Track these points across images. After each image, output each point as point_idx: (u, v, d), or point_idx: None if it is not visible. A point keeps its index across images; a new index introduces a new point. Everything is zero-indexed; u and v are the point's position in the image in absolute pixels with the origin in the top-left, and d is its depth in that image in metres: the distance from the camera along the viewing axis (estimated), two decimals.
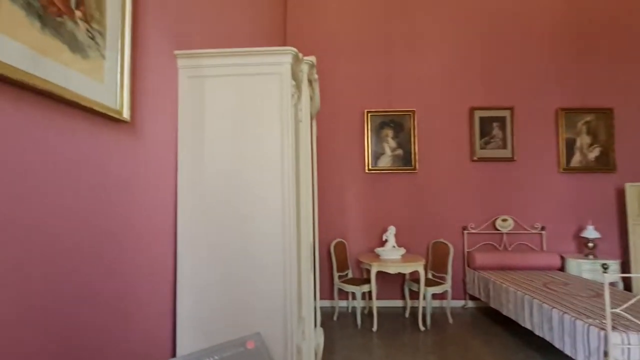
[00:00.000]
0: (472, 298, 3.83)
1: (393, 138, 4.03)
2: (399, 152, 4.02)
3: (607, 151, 3.93)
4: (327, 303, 3.92)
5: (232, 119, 1.30)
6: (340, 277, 3.66)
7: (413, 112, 4.01)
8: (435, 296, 3.61)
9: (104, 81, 0.90)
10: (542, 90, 4.00)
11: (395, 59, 4.10)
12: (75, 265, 0.84)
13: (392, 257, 3.39)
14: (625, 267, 3.67)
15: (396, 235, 3.80)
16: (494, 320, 3.43)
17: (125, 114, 0.97)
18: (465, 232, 3.91)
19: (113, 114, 0.92)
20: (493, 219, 3.91)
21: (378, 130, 4.04)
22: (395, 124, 4.04)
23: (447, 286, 3.41)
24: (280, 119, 1.28)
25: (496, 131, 4.00)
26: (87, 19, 0.84)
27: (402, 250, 3.47)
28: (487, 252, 3.73)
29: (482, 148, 3.99)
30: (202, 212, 1.29)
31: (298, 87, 1.55)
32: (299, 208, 1.53)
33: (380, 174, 4.02)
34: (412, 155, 3.99)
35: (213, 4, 1.82)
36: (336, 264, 3.60)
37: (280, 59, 1.31)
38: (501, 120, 3.99)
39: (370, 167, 4.00)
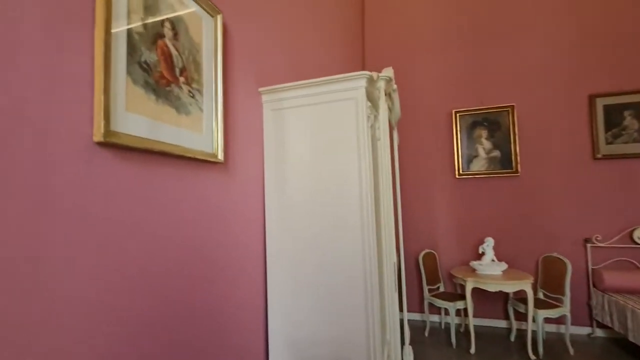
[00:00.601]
0: (601, 325, 3.16)
1: (487, 138, 3.63)
2: (496, 153, 3.59)
3: None
4: (417, 316, 3.74)
5: (311, 147, 1.37)
6: (430, 290, 3.45)
7: (512, 107, 3.54)
8: (549, 320, 3.10)
9: (202, 131, 1.05)
10: None
11: (485, 51, 3.69)
12: (179, 286, 1.00)
13: (491, 272, 3.04)
14: None
15: (495, 248, 3.40)
16: (633, 356, 2.76)
17: (220, 156, 1.11)
18: (589, 245, 3.25)
19: (210, 157, 1.07)
20: (629, 229, 3.15)
21: (469, 131, 3.69)
22: (489, 123, 3.63)
23: (564, 310, 2.89)
24: (357, 142, 1.29)
25: (629, 121, 3.23)
26: (188, 82, 0.99)
27: (504, 265, 3.08)
28: (622, 271, 3.03)
29: (609, 143, 3.27)
30: (287, 235, 1.38)
31: (374, 106, 1.54)
32: (379, 228, 1.51)
33: (474, 179, 3.66)
34: (513, 156, 3.51)
35: (291, 35, 1.94)
36: (426, 277, 3.41)
37: (355, 84, 1.32)
38: (636, 107, 3.20)
39: (461, 172, 3.68)
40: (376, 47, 4.13)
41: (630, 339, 2.66)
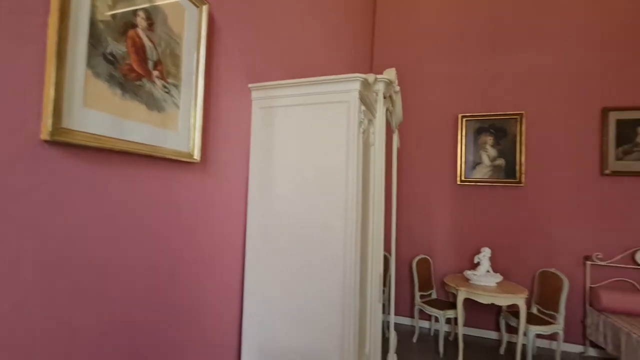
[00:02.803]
0: (594, 345, 3.08)
1: (493, 146, 3.52)
2: (500, 161, 3.48)
3: None
4: (407, 321, 3.70)
5: (300, 149, 1.30)
6: (422, 296, 3.40)
7: (520, 115, 3.41)
8: (541, 335, 3.03)
9: (178, 129, 0.99)
10: None
11: (497, 56, 3.55)
12: (144, 295, 0.96)
13: (485, 283, 2.98)
14: None
15: (492, 259, 3.32)
16: None
17: (196, 155, 1.05)
18: (589, 262, 3.16)
19: (184, 157, 1.01)
20: (632, 250, 3.05)
21: (475, 137, 3.58)
22: (496, 130, 3.51)
23: (557, 327, 2.82)
24: (346, 147, 1.22)
25: None
26: (163, 76, 0.93)
27: (499, 277, 3.01)
28: (620, 292, 2.94)
29: (618, 159, 3.14)
30: (268, 241, 1.33)
31: (370, 109, 1.46)
32: (366, 237, 1.45)
33: (476, 187, 3.56)
34: (517, 166, 3.41)
35: (291, 31, 1.86)
36: (418, 283, 3.36)
37: (348, 87, 1.24)
38: None
39: (463, 178, 3.59)
40: (385, 49, 4.01)
41: None
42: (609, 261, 3.11)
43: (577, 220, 3.24)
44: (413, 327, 3.49)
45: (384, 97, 1.71)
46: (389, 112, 2.10)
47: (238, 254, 1.36)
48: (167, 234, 1.01)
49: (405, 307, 3.71)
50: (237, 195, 1.35)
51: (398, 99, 2.15)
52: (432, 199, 3.70)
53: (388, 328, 2.47)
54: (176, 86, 0.98)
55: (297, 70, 1.90)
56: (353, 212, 1.19)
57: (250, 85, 1.40)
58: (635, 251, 3.03)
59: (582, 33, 3.30)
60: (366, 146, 1.43)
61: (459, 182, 3.60)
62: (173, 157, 0.97)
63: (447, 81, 3.72)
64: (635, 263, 3.03)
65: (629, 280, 3.06)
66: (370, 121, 1.46)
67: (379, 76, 1.53)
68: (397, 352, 2.96)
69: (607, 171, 3.16)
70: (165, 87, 0.94)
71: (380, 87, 1.56)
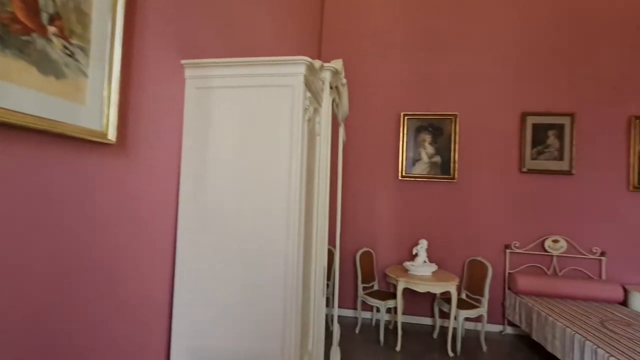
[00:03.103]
0: (511, 324, 3.46)
1: (431, 144, 3.73)
2: (437, 159, 3.71)
3: None
4: (350, 313, 3.77)
5: (239, 134, 1.19)
6: (365, 288, 3.48)
7: (455, 116, 3.67)
8: (468, 318, 3.31)
9: (86, 102, 0.82)
10: (612, 96, 3.45)
11: (436, 57, 3.76)
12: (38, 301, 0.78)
13: (422, 273, 3.15)
14: None
15: (429, 250, 3.52)
16: (536, 352, 3.06)
17: (111, 135, 0.89)
18: (508, 251, 3.53)
19: (95, 137, 0.84)
20: (542, 238, 3.48)
21: (415, 134, 3.76)
22: (434, 129, 3.73)
23: (482, 310, 3.10)
24: (290, 134, 1.14)
25: (552, 140, 3.53)
26: (64, 35, 0.76)
27: (434, 267, 3.21)
28: (533, 276, 3.33)
29: (533, 158, 3.55)
30: (203, 234, 1.20)
31: (316, 98, 1.40)
32: (310, 229, 1.40)
33: (415, 182, 3.75)
34: (452, 163, 3.66)
35: (232, 5, 1.71)
36: (361, 275, 3.43)
37: (292, 70, 1.17)
38: (559, 128, 3.51)
39: (404, 174, 3.75)
40: (332, 44, 4.00)
41: (534, 337, 2.94)
42: (524, 249, 3.50)
43: (499, 213, 3.59)
44: (356, 318, 3.56)
45: (331, 88, 1.66)
46: (335, 104, 2.07)
47: (167, 250, 1.20)
48: (77, 228, 0.84)
49: (349, 299, 3.78)
50: (166, 184, 1.19)
51: (344, 92, 2.12)
52: (375, 193, 3.81)
53: (332, 321, 2.47)
54: (83, 50, 0.81)
55: (238, 50, 1.77)
56: (296, 203, 1.12)
57: (183, 61, 1.24)
58: (545, 239, 3.46)
59: (507, 43, 3.64)
60: (311, 135, 1.37)
61: (400, 178, 3.75)
62: (81, 136, 0.80)
63: (390, 80, 3.84)
64: (545, 250, 3.46)
65: (539, 266, 3.49)
66: (316, 110, 1.41)
67: (326, 64, 1.48)
68: (341, 344, 2.99)
69: (524, 169, 3.55)
70: (67, 48, 0.76)
71: (327, 76, 1.51)
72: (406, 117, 3.76)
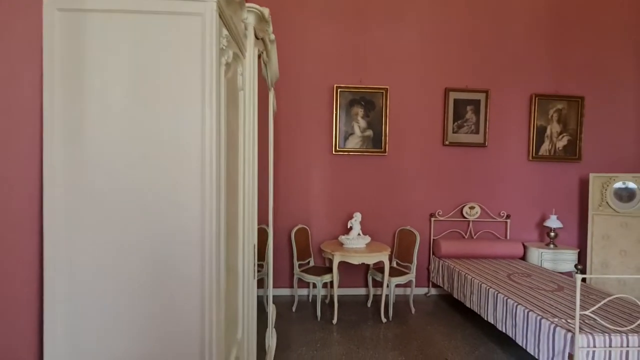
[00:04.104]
0: (435, 286, 3.76)
1: (363, 117, 3.72)
2: (369, 132, 3.73)
3: (575, 140, 3.89)
4: (287, 291, 3.68)
5: (130, 80, 0.90)
6: (301, 265, 3.41)
7: (385, 90, 3.70)
8: (399, 285, 3.48)
9: None
10: (518, 75, 3.83)
11: (368, 30, 3.71)
12: None
13: (356, 245, 3.18)
14: (581, 256, 3.72)
15: (362, 222, 3.57)
16: (456, 309, 3.37)
17: None
18: (433, 219, 3.77)
19: None
20: (461, 206, 3.79)
21: (348, 108, 3.71)
22: (366, 102, 3.72)
23: (411, 276, 3.27)
24: (201, 80, 0.89)
25: (470, 115, 3.81)
26: None
27: (368, 239, 3.26)
28: (453, 240, 3.63)
29: (454, 132, 3.80)
30: (83, 218, 0.90)
31: (237, 42, 1.17)
32: (233, 207, 1.19)
33: (349, 156, 3.73)
34: (383, 137, 3.71)
35: None
36: (297, 252, 3.34)
37: None
38: (475, 104, 3.80)
39: (338, 148, 3.69)
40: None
41: (455, 296, 3.21)
42: (446, 216, 3.78)
43: (425, 184, 3.79)
44: (293, 296, 3.49)
45: (257, 38, 1.43)
46: (264, 63, 1.83)
47: (29, 240, 0.88)
48: None
49: (285, 278, 3.68)
50: (19, 145, 0.86)
51: (274, 51, 1.90)
52: (309, 168, 3.70)
53: (268, 302, 2.33)
54: None
55: None
56: (213, 172, 0.90)
57: None
58: (463, 207, 3.77)
59: (432, 21, 3.74)
60: (232, 88, 1.14)
61: (334, 152, 3.69)
62: None
63: (324, 51, 3.68)
64: (463, 216, 3.78)
65: (458, 231, 3.81)
66: (237, 57, 1.17)
67: (248, 4, 1.24)
68: (277, 325, 2.88)
69: (447, 142, 3.78)
70: None
71: (250, 20, 1.28)
72: (339, 90, 3.67)
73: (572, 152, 3.89)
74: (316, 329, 2.91)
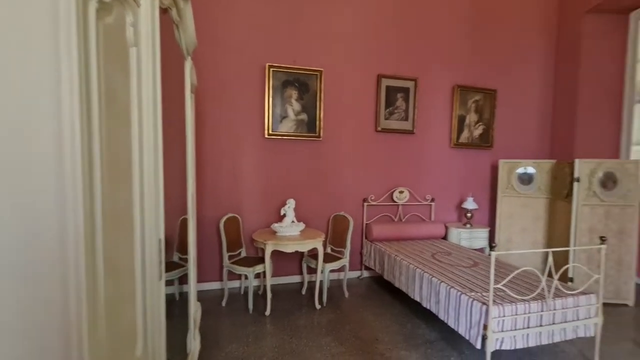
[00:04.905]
0: (367, 268, 3.86)
1: (297, 100, 3.56)
2: (304, 116, 3.59)
3: (489, 129, 4.28)
4: (216, 285, 3.43)
5: None
6: (231, 257, 3.18)
7: (320, 72, 3.58)
8: (333, 270, 3.48)
9: None
10: (444, 66, 4.03)
11: (303, 8, 3.52)
12: None
13: (290, 233, 3.06)
14: (491, 234, 4.17)
15: (296, 209, 3.47)
16: (387, 290, 3.51)
17: None
18: (366, 204, 3.84)
19: None
20: (391, 190, 3.92)
21: (281, 89, 3.50)
22: (300, 84, 3.56)
23: (345, 261, 3.29)
24: (52, 14, 0.62)
25: (400, 102, 3.91)
26: None
27: (302, 226, 3.17)
28: (384, 224, 3.74)
29: (386, 118, 3.87)
30: None
31: None
32: (121, 194, 0.95)
33: (282, 140, 3.56)
34: (318, 122, 3.61)
35: None
36: (227, 243, 3.10)
37: None
38: (405, 92, 3.91)
39: (271, 132, 3.49)
40: None
41: (385, 277, 3.33)
42: (378, 201, 3.88)
43: (359, 169, 3.82)
44: (222, 290, 3.26)
45: None
46: (174, 23, 1.55)
47: None
48: None
49: (214, 271, 3.42)
50: None
51: (188, 10, 1.62)
52: (240, 153, 3.44)
53: (200, 300, 2.08)
54: None
55: None
56: (76, 146, 0.65)
57: None
58: (393, 191, 3.91)
59: (366, 6, 3.70)
60: (116, 40, 0.88)
61: (266, 136, 3.48)
62: None
63: (256, 26, 3.39)
64: (393, 200, 3.92)
65: (389, 215, 3.95)
66: (124, 1, 0.91)
67: None
68: (205, 323, 2.65)
69: (379, 128, 3.84)
70: None
71: None
72: (272, 70, 3.44)
73: (486, 140, 4.27)
74: (248, 322, 2.75)
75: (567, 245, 3.35)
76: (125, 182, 0.91)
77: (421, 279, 2.68)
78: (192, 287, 2.04)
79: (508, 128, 4.37)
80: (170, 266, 2.89)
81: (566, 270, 3.16)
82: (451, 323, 2.29)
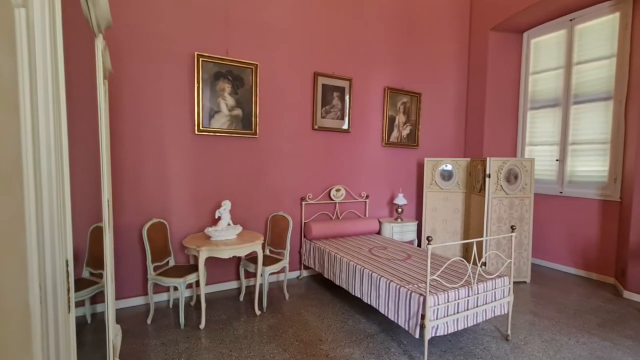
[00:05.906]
0: (307, 267, 3.84)
1: (231, 94, 3.33)
2: (238, 112, 3.38)
3: (415, 130, 4.61)
4: (140, 301, 3.03)
5: None
6: (157, 267, 2.83)
7: (255, 66, 3.40)
8: (273, 272, 3.37)
9: None
10: (376, 68, 4.20)
11: None
12: None
13: (226, 237, 2.85)
14: (419, 226, 4.51)
15: (232, 211, 3.25)
16: (326, 287, 3.53)
17: None
18: (304, 202, 3.80)
19: None
20: (329, 189, 3.95)
21: (213, 82, 3.23)
22: (234, 77, 3.33)
23: (285, 262, 3.20)
24: None
25: (336, 101, 3.96)
26: None
27: (239, 228, 2.98)
28: (322, 222, 3.75)
29: (323, 117, 3.88)
30: None
31: None
32: (7, 197, 0.73)
33: (215, 137, 3.29)
34: (253, 118, 3.43)
35: None
36: (151, 253, 2.74)
37: None
38: (341, 91, 3.97)
39: (201, 128, 3.20)
40: None
41: (325, 275, 3.33)
42: (316, 200, 3.87)
43: (296, 168, 3.76)
44: (147, 305, 2.88)
45: None
46: None
47: None
48: None
49: (137, 284, 3.01)
50: None
51: None
52: (166, 150, 3.08)
53: (108, 326, 1.76)
54: None
55: None
56: None
57: None
58: (330, 189, 3.95)
59: (304, 2, 3.64)
60: None
61: (196, 132, 3.18)
62: None
63: (183, 7, 3.05)
64: (330, 198, 3.96)
65: (327, 213, 3.98)
66: None
67: None
68: (125, 347, 2.30)
69: (316, 127, 3.82)
70: None
71: None
72: (201, 60, 3.15)
73: (412, 140, 4.60)
74: (180, 339, 2.47)
75: (482, 232, 3.80)
76: (9, 192, 0.69)
77: (361, 275, 2.74)
78: (111, 309, 1.73)
79: (431, 129, 4.77)
80: (79, 284, 2.44)
81: (482, 256, 3.57)
82: (391, 316, 2.38)
